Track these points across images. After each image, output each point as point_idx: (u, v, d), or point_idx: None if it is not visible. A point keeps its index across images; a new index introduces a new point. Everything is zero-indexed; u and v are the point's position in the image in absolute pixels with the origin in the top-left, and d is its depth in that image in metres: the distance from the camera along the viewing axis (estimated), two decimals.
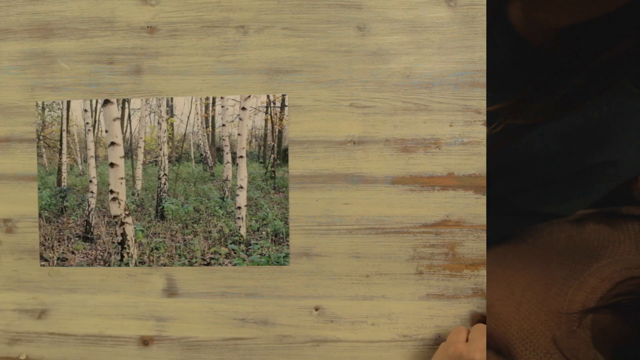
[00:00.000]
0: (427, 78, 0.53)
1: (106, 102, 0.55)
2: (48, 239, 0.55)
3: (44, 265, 0.56)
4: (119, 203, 0.55)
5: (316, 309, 0.54)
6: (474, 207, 0.53)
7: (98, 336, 0.56)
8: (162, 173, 0.55)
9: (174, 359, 0.55)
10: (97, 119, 0.55)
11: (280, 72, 0.54)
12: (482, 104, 0.53)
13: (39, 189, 0.55)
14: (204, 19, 0.55)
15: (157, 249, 0.55)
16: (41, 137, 0.55)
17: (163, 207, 0.55)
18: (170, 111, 0.54)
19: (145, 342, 0.55)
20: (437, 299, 0.54)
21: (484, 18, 0.53)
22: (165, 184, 0.55)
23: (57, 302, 0.56)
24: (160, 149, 0.55)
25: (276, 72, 0.54)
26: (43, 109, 0.55)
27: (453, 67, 0.53)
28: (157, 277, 0.55)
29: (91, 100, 0.55)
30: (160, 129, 0.55)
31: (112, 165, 0.55)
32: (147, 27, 0.55)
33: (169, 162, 0.55)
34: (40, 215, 0.55)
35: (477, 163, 0.53)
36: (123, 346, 0.56)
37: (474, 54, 0.53)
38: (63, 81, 0.55)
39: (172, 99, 0.54)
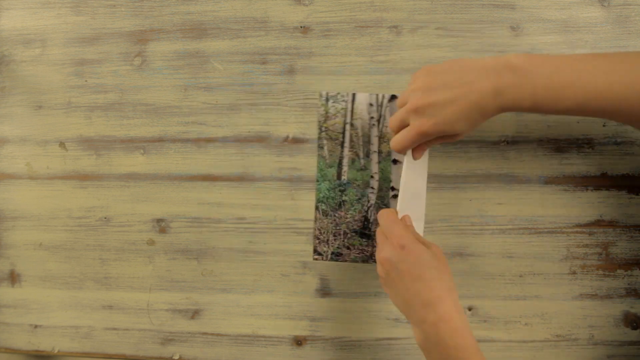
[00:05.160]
0: None
1: (393, 97, 0.54)
2: (323, 232, 0.55)
3: (317, 259, 0.55)
4: None
5: (469, 309, 0.54)
6: (627, 207, 0.53)
7: (251, 336, 0.56)
8: None
9: (327, 359, 0.55)
10: (382, 113, 0.54)
11: None
12: None
13: (317, 180, 0.55)
14: (357, 19, 0.55)
15: None
16: (323, 129, 0.55)
17: None
18: None
19: (298, 342, 0.55)
20: (590, 299, 0.54)
21: (638, 18, 0.53)
22: None
23: (211, 302, 0.56)
24: None
25: None
26: (327, 99, 0.55)
27: None
28: (311, 277, 0.55)
29: (377, 95, 0.54)
30: None
31: (394, 162, 0.54)
32: (301, 27, 0.55)
33: None
34: (317, 207, 0.55)
35: (630, 163, 0.53)
36: (276, 346, 0.56)
37: None
38: (216, 81, 0.55)
39: None
